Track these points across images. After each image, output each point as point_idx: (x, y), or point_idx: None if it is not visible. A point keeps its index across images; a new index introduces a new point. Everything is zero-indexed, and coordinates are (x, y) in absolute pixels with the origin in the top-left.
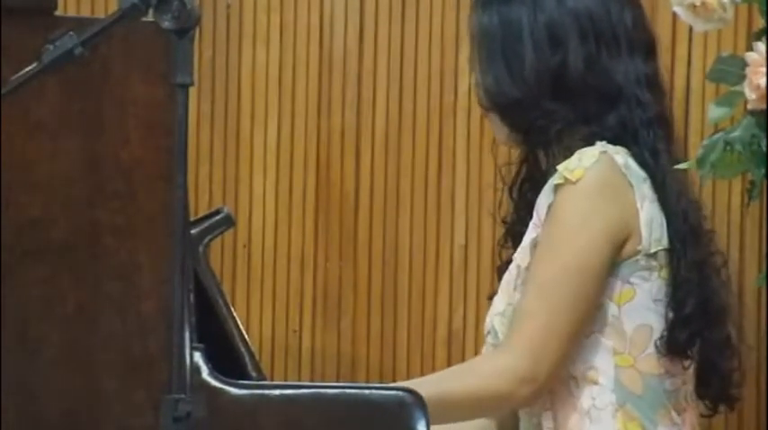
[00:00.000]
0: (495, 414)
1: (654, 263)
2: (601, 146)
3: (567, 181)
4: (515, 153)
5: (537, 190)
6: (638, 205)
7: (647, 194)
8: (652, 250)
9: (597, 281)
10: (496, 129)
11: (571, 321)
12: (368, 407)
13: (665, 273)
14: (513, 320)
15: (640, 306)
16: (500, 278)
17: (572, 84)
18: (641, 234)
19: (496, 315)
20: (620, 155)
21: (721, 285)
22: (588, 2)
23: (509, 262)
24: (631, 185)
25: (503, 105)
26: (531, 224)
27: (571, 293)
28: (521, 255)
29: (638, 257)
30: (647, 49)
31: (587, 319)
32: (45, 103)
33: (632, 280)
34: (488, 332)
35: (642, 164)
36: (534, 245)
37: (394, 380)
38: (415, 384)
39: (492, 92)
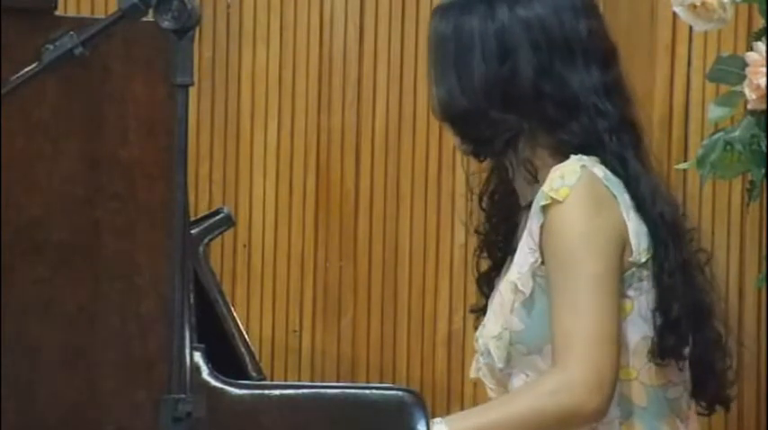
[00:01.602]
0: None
1: (645, 272)
2: (577, 159)
3: (553, 200)
4: (476, 162)
5: (507, 198)
6: (625, 215)
7: (630, 204)
8: (642, 260)
9: (616, 285)
10: (454, 139)
11: (611, 325)
12: (368, 407)
13: (655, 281)
14: (556, 343)
15: (638, 318)
16: (480, 289)
17: (523, 93)
18: (632, 245)
19: (492, 338)
20: (598, 167)
21: (707, 283)
22: (541, 12)
23: (488, 273)
24: (615, 197)
25: (452, 116)
26: (524, 247)
27: (601, 300)
28: (521, 281)
29: (633, 270)
30: (606, 57)
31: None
32: (45, 103)
33: (629, 293)
34: (482, 353)
35: (613, 172)
36: (534, 270)
37: (394, 381)
38: (479, 410)
39: (443, 103)
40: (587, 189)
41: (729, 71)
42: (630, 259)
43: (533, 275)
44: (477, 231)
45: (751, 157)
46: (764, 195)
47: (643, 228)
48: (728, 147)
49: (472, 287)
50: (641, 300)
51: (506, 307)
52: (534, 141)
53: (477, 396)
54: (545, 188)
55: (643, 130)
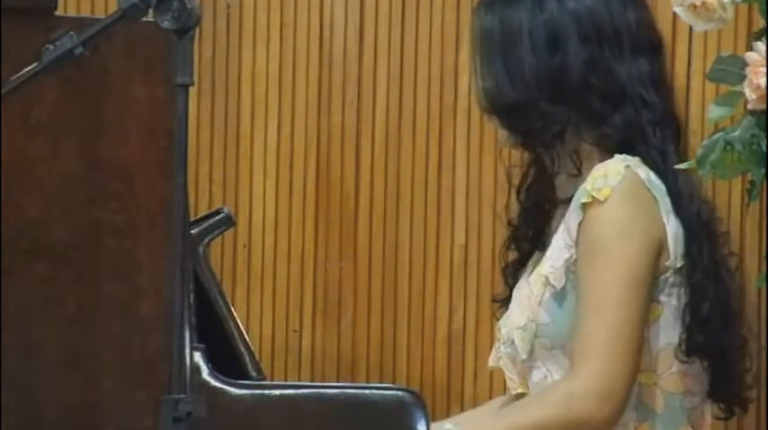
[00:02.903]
0: None
1: (680, 278)
2: (621, 159)
3: (594, 200)
4: (517, 155)
5: (545, 193)
6: (665, 219)
7: (670, 208)
8: (678, 265)
9: (646, 288)
10: (498, 131)
11: (634, 334)
12: (368, 407)
13: (686, 279)
14: (575, 345)
15: (667, 324)
16: (506, 280)
17: (573, 85)
18: (669, 249)
19: (517, 328)
20: (641, 168)
21: (736, 287)
22: (590, 2)
23: (515, 264)
24: (656, 200)
25: (501, 108)
26: (560, 241)
27: (628, 307)
28: (553, 275)
29: (668, 274)
30: (652, 48)
31: (644, 328)
32: (45, 103)
33: (661, 298)
34: (504, 343)
35: (652, 166)
36: (568, 266)
37: (394, 381)
38: (491, 419)
39: (491, 94)
40: (629, 191)
41: (729, 71)
42: (667, 263)
43: (567, 271)
44: (509, 223)
45: (751, 157)
46: (764, 195)
47: (681, 232)
48: (728, 147)
49: (472, 287)
50: (672, 304)
51: (535, 299)
52: (579, 134)
53: (477, 396)
54: (587, 186)
55: (683, 125)
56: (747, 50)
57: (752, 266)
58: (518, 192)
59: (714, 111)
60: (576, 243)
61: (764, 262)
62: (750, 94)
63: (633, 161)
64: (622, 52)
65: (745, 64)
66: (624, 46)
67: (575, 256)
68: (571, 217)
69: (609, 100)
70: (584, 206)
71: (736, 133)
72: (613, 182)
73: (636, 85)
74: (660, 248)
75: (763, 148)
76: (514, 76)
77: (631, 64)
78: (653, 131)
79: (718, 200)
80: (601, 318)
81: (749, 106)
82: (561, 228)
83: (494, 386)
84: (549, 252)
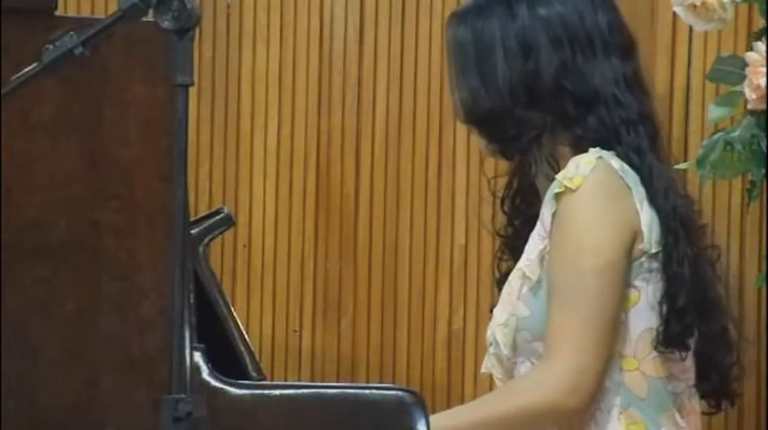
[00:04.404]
0: (548, 427)
1: (655, 264)
2: (595, 152)
3: (566, 189)
4: (502, 166)
5: (529, 201)
6: (638, 207)
7: (644, 196)
8: (653, 251)
9: (618, 277)
10: (479, 141)
11: (603, 322)
12: (368, 407)
13: (663, 269)
14: (546, 336)
15: (645, 309)
16: (500, 290)
17: (546, 90)
18: (643, 235)
19: (499, 326)
20: (615, 160)
21: (716, 279)
22: (560, 9)
23: (507, 275)
24: (629, 188)
25: (477, 117)
26: (535, 234)
27: (596, 296)
28: (529, 267)
29: (642, 259)
30: (625, 50)
31: (618, 316)
32: (45, 103)
33: (636, 283)
34: (491, 343)
35: (628, 163)
36: (542, 256)
37: (394, 381)
38: (461, 409)
39: (467, 105)
40: (601, 179)
41: (729, 71)
42: (641, 247)
43: (541, 261)
44: (498, 234)
45: (751, 157)
46: (764, 195)
47: (656, 220)
48: (728, 147)
49: (472, 287)
50: (649, 290)
51: (514, 293)
52: (555, 137)
53: (478, 396)
54: (559, 176)
55: (660, 125)
56: (747, 50)
57: (752, 266)
58: (501, 202)
59: (714, 112)
60: (550, 233)
61: (764, 262)
62: (750, 94)
63: (607, 154)
64: (595, 55)
65: (745, 64)
66: (596, 49)
67: (548, 247)
68: (545, 208)
69: (583, 102)
70: (557, 196)
71: (736, 133)
72: (585, 170)
73: (609, 87)
74: (634, 235)
75: (763, 148)
76: (489, 86)
77: (604, 66)
78: (627, 130)
79: (718, 200)
80: (572, 307)
81: (749, 106)
82: (538, 222)
83: (494, 386)
84: (527, 247)
